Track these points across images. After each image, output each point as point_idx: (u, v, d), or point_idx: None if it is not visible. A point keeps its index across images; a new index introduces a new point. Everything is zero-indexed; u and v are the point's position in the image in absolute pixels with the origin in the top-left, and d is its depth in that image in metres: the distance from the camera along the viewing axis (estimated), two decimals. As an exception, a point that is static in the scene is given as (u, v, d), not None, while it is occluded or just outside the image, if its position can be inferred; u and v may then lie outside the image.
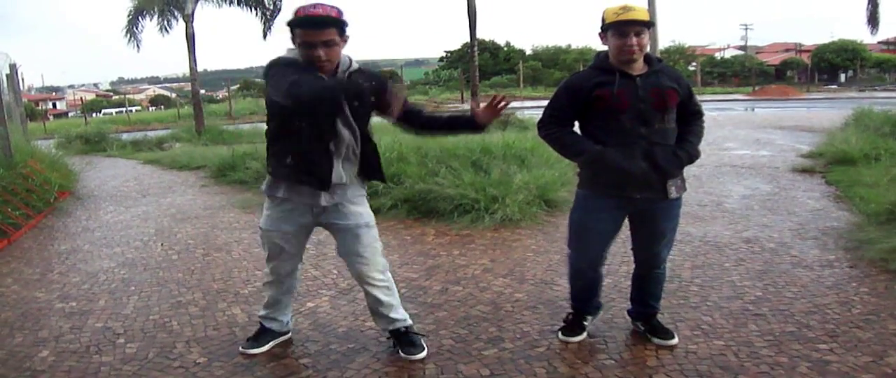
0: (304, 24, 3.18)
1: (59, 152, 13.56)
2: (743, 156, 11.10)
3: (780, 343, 3.66)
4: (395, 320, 3.72)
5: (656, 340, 3.73)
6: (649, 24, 3.32)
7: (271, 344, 3.88)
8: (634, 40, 3.26)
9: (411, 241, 6.21)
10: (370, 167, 3.54)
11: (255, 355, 3.79)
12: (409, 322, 3.78)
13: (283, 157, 3.41)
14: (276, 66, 3.21)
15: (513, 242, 6.01)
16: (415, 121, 3.69)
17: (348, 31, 3.27)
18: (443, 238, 6.26)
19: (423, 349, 3.70)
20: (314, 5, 3.19)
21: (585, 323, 3.83)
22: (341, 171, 3.41)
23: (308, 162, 3.35)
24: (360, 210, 3.55)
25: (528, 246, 5.86)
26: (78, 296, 5.02)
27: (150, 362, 3.77)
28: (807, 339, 3.69)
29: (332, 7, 3.20)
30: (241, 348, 3.86)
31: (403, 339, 3.72)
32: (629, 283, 3.96)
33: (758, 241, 5.73)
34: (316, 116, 3.29)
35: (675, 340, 3.71)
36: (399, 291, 4.70)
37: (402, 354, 3.68)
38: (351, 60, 3.35)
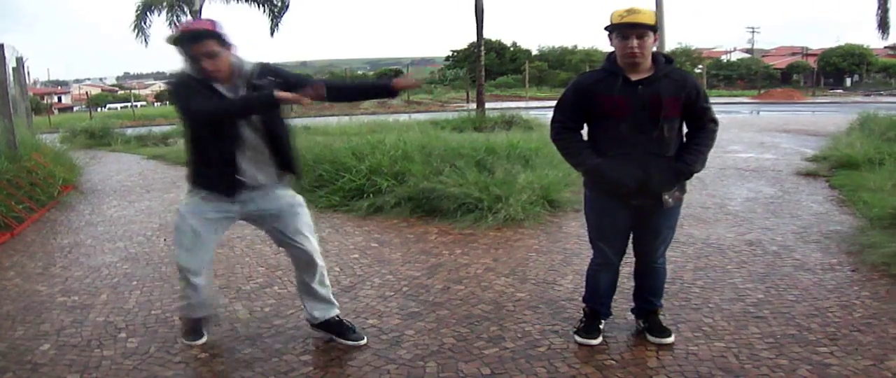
0: (186, 40, 3.32)
1: (64, 146, 13.60)
2: (747, 159, 11.10)
3: (780, 345, 3.65)
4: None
5: (652, 338, 3.75)
6: (654, 28, 3.33)
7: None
8: (636, 43, 3.29)
9: (414, 240, 6.21)
10: (283, 161, 3.62)
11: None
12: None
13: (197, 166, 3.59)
14: (179, 85, 3.41)
15: (515, 242, 6.01)
16: (329, 94, 3.69)
17: (230, 39, 3.38)
18: (445, 237, 6.27)
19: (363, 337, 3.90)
20: (191, 21, 3.33)
21: (601, 326, 3.83)
22: (255, 174, 3.53)
23: (215, 170, 3.52)
24: (288, 191, 3.73)
25: (531, 246, 5.86)
26: (80, 290, 5.04)
27: (151, 357, 3.78)
28: (807, 342, 3.68)
29: (207, 21, 3.38)
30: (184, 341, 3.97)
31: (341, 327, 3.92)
32: (630, 284, 3.98)
33: (760, 243, 5.72)
34: (219, 127, 3.43)
35: (671, 339, 3.73)
36: (401, 289, 4.75)
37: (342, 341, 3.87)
38: (243, 63, 3.44)
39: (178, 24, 23.58)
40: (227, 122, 3.39)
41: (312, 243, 3.75)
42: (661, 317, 3.86)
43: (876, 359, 3.47)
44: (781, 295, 4.45)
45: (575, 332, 3.85)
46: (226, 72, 3.37)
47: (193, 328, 3.97)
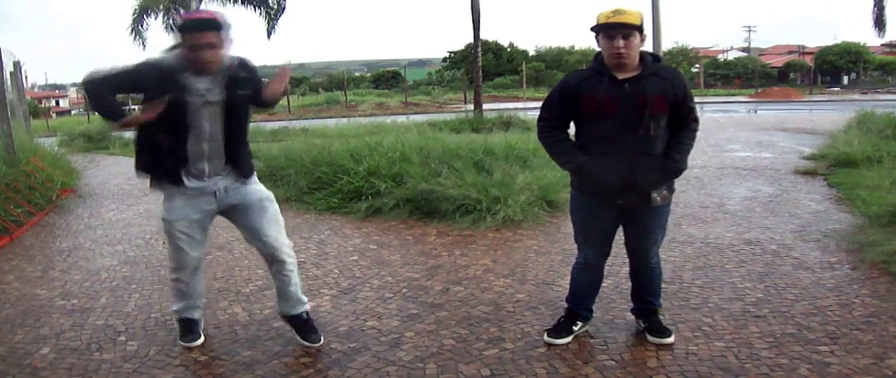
0: (190, 28, 3.41)
1: (62, 150, 13.61)
2: (745, 158, 11.09)
3: (780, 345, 3.65)
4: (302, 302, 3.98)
5: (651, 338, 3.75)
6: (639, 28, 3.36)
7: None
8: (621, 43, 3.32)
9: (413, 241, 6.21)
10: (233, 157, 3.74)
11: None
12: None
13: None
14: (138, 68, 3.52)
15: (514, 243, 6.01)
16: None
17: (231, 33, 3.49)
18: (444, 238, 6.27)
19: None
20: (198, 11, 3.45)
21: (575, 327, 3.84)
22: (204, 165, 3.65)
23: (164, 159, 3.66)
24: (257, 187, 3.86)
25: (530, 246, 5.87)
26: (79, 293, 5.03)
27: (150, 360, 3.78)
28: (807, 341, 3.69)
29: (216, 12, 3.53)
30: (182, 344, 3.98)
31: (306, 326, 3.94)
32: (629, 284, 3.97)
33: (759, 242, 5.72)
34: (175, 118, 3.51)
35: (671, 339, 3.72)
36: (400, 291, 4.74)
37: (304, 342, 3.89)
38: (232, 59, 3.56)
39: (174, 27, 23.61)
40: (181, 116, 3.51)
41: (279, 239, 3.82)
42: (660, 317, 3.86)
43: (876, 357, 3.47)
44: (781, 294, 4.45)
45: (545, 330, 3.87)
46: (218, 65, 3.47)
47: (190, 329, 4.01)
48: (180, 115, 3.48)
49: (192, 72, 3.44)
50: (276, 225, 3.82)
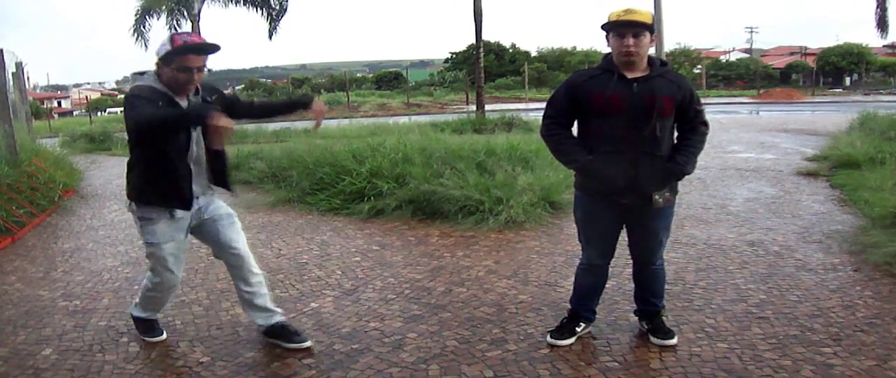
0: (190, 51, 3.39)
1: (64, 151, 13.60)
2: (747, 159, 11.08)
3: (783, 346, 3.65)
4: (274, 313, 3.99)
5: (655, 340, 3.75)
6: (650, 27, 3.36)
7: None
8: (632, 42, 3.33)
9: (416, 242, 6.21)
10: (218, 174, 3.79)
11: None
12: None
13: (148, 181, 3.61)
14: (136, 96, 3.40)
15: (517, 244, 6.01)
16: (245, 112, 4.07)
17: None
18: (447, 239, 6.26)
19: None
20: (189, 33, 3.54)
21: (578, 329, 3.83)
22: (195, 186, 3.66)
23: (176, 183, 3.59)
24: (221, 202, 3.91)
25: (533, 247, 5.86)
26: (81, 294, 5.03)
27: (152, 361, 3.78)
28: (810, 343, 3.68)
29: (199, 36, 3.56)
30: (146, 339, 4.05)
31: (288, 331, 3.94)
32: (632, 286, 3.97)
33: (762, 244, 5.72)
34: (176, 140, 3.52)
35: (674, 341, 3.72)
36: (403, 292, 4.74)
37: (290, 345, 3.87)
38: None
39: (177, 27, 23.63)
40: (170, 132, 3.47)
41: (248, 252, 3.88)
42: (664, 318, 3.86)
43: (879, 359, 3.46)
44: (784, 295, 4.44)
45: (548, 332, 3.87)
46: (195, 87, 3.52)
47: (153, 327, 4.11)
48: (188, 138, 3.54)
49: (175, 94, 3.47)
50: (243, 238, 3.89)
